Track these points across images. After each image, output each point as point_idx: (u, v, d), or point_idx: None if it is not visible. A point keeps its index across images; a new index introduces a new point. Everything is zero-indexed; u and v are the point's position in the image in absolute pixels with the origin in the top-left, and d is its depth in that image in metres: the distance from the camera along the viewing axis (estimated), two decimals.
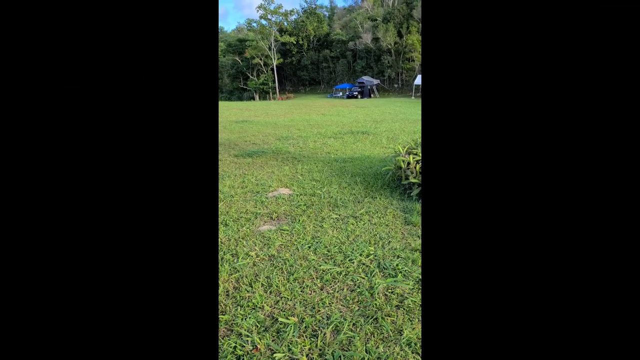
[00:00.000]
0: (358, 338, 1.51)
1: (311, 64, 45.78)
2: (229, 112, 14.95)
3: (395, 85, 38.51)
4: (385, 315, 1.64)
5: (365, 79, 32.14)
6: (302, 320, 1.63)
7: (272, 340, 1.51)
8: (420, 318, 1.60)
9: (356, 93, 29.99)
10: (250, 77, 43.55)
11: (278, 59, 42.92)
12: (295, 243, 2.43)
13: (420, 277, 1.93)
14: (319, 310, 1.69)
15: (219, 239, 2.51)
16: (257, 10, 43.24)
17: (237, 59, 44.75)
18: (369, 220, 2.79)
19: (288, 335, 1.53)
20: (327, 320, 1.63)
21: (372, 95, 31.33)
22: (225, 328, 1.59)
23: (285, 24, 44.89)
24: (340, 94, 33.69)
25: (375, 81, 33.19)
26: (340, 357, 1.42)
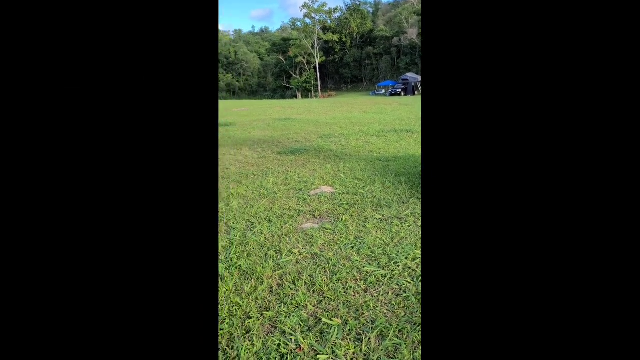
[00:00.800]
0: (405, 346, 1.44)
1: (354, 61, 45.46)
2: (272, 110, 15.28)
3: None
4: None
5: (409, 75, 31.31)
6: (345, 323, 1.59)
7: (316, 341, 1.49)
8: None
9: (399, 90, 29.31)
10: (293, 75, 44.25)
11: (321, 57, 43.14)
12: (338, 242, 2.40)
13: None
14: (363, 314, 1.65)
15: (263, 235, 2.55)
16: (301, 9, 43.71)
17: (281, 58, 45.66)
18: (414, 222, 2.69)
19: (332, 336, 1.50)
20: (372, 324, 1.58)
21: (416, 92, 30.40)
22: (270, 325, 1.60)
23: (329, 21, 44.95)
24: (383, 91, 33.11)
25: (420, 78, 32.18)
26: None
